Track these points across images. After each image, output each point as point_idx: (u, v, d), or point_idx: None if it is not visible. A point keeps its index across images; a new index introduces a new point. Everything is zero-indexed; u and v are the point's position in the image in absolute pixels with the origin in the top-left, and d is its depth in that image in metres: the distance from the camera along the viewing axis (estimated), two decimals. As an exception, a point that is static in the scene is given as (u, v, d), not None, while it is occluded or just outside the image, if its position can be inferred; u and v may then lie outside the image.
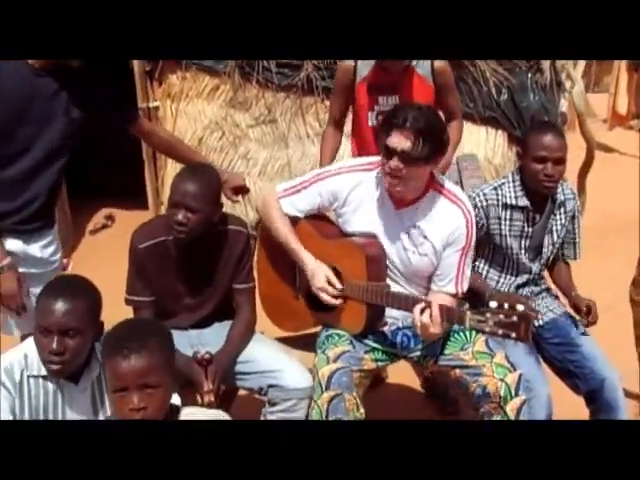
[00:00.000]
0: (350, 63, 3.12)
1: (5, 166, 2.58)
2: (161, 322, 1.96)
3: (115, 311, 2.52)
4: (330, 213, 2.70)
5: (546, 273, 3.03)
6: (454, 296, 2.60)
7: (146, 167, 5.76)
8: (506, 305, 2.14)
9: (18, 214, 2.65)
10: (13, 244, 2.66)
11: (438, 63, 3.08)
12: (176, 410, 1.90)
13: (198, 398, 2.45)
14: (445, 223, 2.52)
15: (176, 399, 2.19)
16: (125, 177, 6.31)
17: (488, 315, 2.15)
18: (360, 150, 3.24)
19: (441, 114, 3.19)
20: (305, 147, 5.49)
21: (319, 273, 2.57)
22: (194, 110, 5.50)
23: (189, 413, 1.92)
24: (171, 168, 5.35)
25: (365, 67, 3.10)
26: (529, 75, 5.61)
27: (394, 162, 2.37)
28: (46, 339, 2.04)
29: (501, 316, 2.12)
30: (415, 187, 2.47)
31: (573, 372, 2.80)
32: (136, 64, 5.36)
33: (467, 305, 2.84)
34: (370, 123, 3.15)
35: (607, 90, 10.44)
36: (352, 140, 3.36)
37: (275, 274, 2.85)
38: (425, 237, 2.52)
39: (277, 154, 5.50)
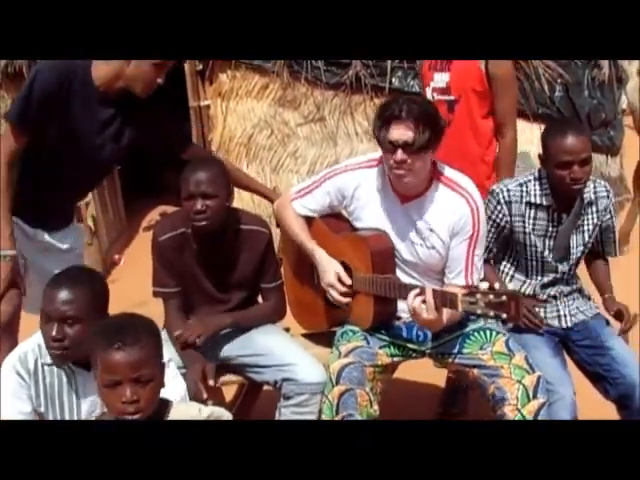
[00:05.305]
0: None
1: (40, 174, 2.63)
2: (150, 319, 1.95)
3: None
4: (343, 212, 2.71)
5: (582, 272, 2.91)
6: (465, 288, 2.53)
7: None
8: (496, 285, 2.11)
9: (40, 211, 2.71)
10: (27, 230, 2.72)
11: None
12: (166, 405, 1.89)
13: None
14: (449, 213, 2.49)
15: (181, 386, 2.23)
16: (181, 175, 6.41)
17: (478, 296, 2.10)
18: None
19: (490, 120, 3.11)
20: (354, 145, 5.48)
21: (329, 269, 2.59)
22: (244, 108, 5.57)
23: (181, 410, 1.91)
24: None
25: None
26: (586, 71, 5.44)
27: (399, 155, 2.37)
28: (47, 326, 2.08)
29: (491, 297, 2.08)
30: (421, 177, 2.47)
31: (603, 376, 2.68)
32: (187, 64, 5.45)
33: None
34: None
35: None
36: None
37: (297, 274, 2.88)
38: (431, 230, 2.51)
39: (326, 152, 5.52)
